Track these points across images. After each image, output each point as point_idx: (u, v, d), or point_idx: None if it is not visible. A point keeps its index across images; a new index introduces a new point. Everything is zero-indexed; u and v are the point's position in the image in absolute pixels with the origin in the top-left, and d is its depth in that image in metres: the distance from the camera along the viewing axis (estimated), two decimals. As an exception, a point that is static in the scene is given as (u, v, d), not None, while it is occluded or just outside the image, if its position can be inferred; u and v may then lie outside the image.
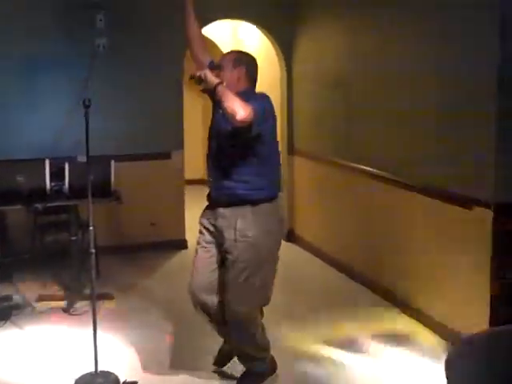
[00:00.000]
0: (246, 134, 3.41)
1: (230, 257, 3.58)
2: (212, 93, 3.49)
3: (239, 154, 3.55)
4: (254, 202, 3.55)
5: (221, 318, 3.72)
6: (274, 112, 3.66)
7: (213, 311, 3.71)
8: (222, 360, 4.01)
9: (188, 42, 3.92)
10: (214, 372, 4.00)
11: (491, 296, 4.01)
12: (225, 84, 3.48)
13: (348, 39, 5.79)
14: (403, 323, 4.77)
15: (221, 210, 3.63)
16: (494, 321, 3.94)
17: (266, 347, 3.81)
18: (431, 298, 4.62)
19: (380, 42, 5.23)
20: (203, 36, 4.09)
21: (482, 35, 4.04)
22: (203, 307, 3.72)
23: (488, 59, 3.99)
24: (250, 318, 3.64)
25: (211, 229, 3.70)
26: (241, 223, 3.54)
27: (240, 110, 3.28)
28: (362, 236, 5.60)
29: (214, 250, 3.70)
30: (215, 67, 3.62)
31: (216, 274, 3.69)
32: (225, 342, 3.95)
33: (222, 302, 3.67)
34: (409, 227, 4.89)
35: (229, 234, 3.57)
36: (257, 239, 3.54)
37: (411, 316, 4.81)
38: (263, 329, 3.81)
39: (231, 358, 3.96)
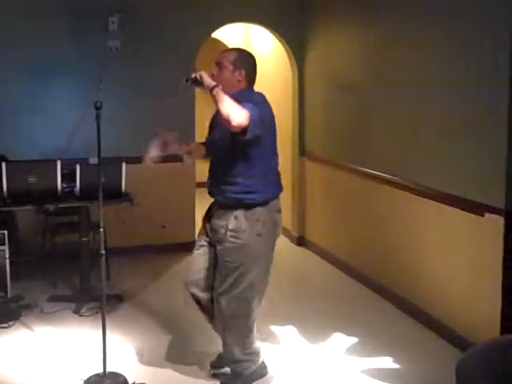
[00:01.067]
0: (241, 137, 3.41)
1: (221, 257, 3.65)
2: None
3: (235, 156, 3.57)
4: (246, 206, 3.58)
5: (212, 314, 3.81)
6: (271, 114, 3.67)
7: (204, 303, 3.79)
8: (218, 363, 4.02)
9: None
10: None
11: (503, 303, 3.99)
12: (222, 84, 3.52)
13: (360, 43, 5.77)
14: (412, 329, 4.75)
15: (216, 211, 3.72)
16: (505, 329, 3.92)
17: (253, 350, 3.81)
18: (442, 304, 4.59)
19: (392, 46, 5.21)
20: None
21: (495, 41, 4.03)
22: (193, 297, 3.81)
23: (500, 65, 3.98)
24: (236, 316, 3.66)
25: (207, 228, 3.80)
26: (232, 225, 3.59)
27: (235, 116, 3.30)
28: (373, 241, 5.58)
29: (208, 248, 3.78)
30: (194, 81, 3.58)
31: (209, 273, 3.76)
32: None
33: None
34: (420, 233, 4.87)
35: (221, 235, 3.64)
36: (247, 241, 3.57)
37: (422, 322, 4.78)
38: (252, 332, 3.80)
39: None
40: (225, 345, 3.80)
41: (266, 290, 3.81)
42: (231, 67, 3.62)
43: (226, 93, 3.49)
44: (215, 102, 3.40)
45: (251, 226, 3.57)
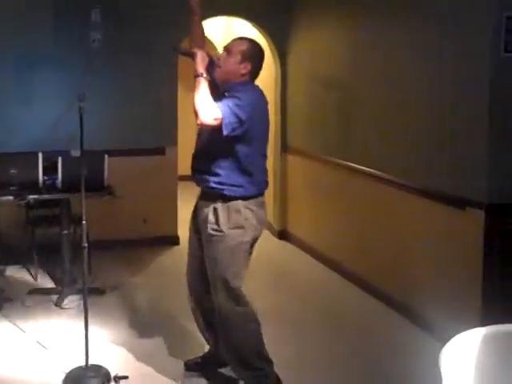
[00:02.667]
0: (218, 133, 3.34)
1: (204, 249, 3.61)
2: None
3: (218, 148, 3.49)
4: (226, 198, 3.50)
5: (206, 312, 3.75)
6: (263, 111, 3.60)
7: (204, 300, 3.74)
8: (194, 365, 3.98)
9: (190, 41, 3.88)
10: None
11: (483, 296, 4.03)
12: (225, 70, 3.50)
13: (343, 38, 5.79)
14: (393, 321, 4.78)
15: (199, 203, 3.68)
16: (485, 320, 3.95)
17: (267, 357, 3.65)
18: (422, 296, 4.62)
19: (376, 42, 5.23)
20: (205, 37, 3.98)
21: (476, 38, 4.07)
22: (193, 294, 3.79)
23: (483, 63, 4.01)
24: (233, 310, 3.56)
25: (194, 222, 3.74)
26: (212, 217, 3.53)
27: (203, 114, 3.28)
28: (354, 234, 5.61)
29: (195, 242, 3.73)
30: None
31: (199, 265, 3.70)
32: (209, 351, 3.95)
33: (207, 297, 3.69)
34: (401, 226, 4.90)
35: (203, 228, 3.59)
36: (226, 233, 3.49)
37: (403, 315, 4.80)
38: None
39: (205, 367, 3.96)
40: (229, 348, 3.64)
41: (246, 284, 3.75)
42: (239, 58, 3.51)
43: (225, 79, 3.48)
44: (195, 88, 3.36)
45: (231, 218, 3.50)
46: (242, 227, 3.52)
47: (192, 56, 3.47)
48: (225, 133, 3.33)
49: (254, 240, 3.65)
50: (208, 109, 3.29)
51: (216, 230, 3.52)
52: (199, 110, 3.29)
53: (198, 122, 3.31)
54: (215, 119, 3.29)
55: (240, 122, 3.36)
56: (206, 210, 3.57)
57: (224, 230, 3.50)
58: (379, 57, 5.19)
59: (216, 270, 3.55)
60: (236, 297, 3.57)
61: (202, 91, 3.33)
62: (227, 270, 3.53)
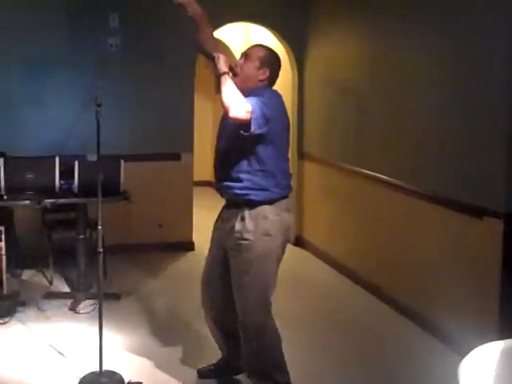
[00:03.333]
0: (244, 132, 3.31)
1: (231, 260, 3.56)
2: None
3: (241, 152, 3.45)
4: (251, 204, 3.46)
5: (224, 321, 3.73)
6: (283, 113, 3.59)
7: (217, 309, 3.72)
8: (207, 373, 3.96)
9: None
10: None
11: (501, 309, 3.98)
12: (243, 76, 3.47)
13: (361, 45, 5.77)
14: (409, 332, 4.74)
15: (223, 213, 3.64)
16: (503, 334, 3.91)
17: (286, 369, 3.62)
18: (438, 307, 4.58)
19: (392, 50, 5.21)
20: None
21: (494, 42, 4.03)
22: (206, 300, 3.76)
23: (501, 67, 3.98)
24: (259, 324, 3.54)
25: (216, 231, 3.70)
26: (239, 226, 3.48)
27: (235, 108, 3.22)
28: (370, 242, 5.58)
29: (217, 251, 3.67)
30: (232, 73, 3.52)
31: (219, 274, 3.66)
32: (222, 358, 3.93)
33: (226, 307, 3.66)
34: (418, 235, 4.86)
35: (229, 237, 3.54)
36: (255, 242, 3.44)
37: (418, 325, 4.76)
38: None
39: (221, 374, 3.95)
40: (251, 361, 3.63)
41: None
42: (257, 64, 3.51)
43: (243, 86, 3.41)
44: (220, 88, 3.32)
45: (258, 225, 3.44)
46: (269, 235, 3.47)
47: (213, 58, 3.45)
48: (252, 128, 3.28)
49: (284, 245, 3.60)
50: (239, 102, 3.25)
51: (243, 239, 3.46)
52: (230, 104, 3.24)
53: (231, 116, 3.24)
54: (247, 112, 3.24)
55: (265, 118, 3.33)
56: (232, 219, 3.52)
57: (251, 238, 3.45)
58: (396, 63, 5.16)
59: (245, 281, 3.49)
60: (262, 308, 3.54)
61: (230, 87, 3.30)
62: (256, 281, 3.48)
